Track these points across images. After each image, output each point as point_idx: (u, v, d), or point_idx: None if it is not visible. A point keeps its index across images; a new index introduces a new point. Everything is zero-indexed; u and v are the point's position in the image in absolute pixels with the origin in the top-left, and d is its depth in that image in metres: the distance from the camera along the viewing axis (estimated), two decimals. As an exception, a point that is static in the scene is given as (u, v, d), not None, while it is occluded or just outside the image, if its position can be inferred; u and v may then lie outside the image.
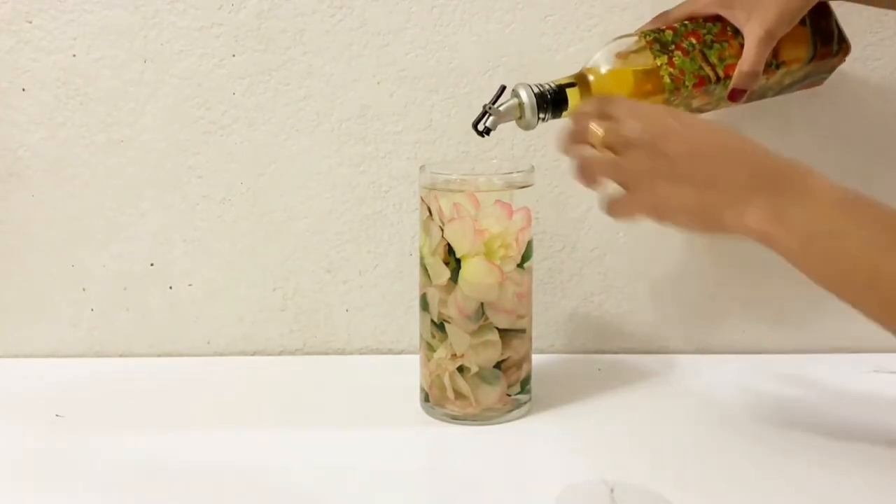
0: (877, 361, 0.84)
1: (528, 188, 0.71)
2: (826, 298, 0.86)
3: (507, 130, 0.84)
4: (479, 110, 0.83)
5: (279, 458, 0.66)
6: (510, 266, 0.70)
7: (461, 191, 0.69)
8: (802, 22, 0.70)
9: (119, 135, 0.84)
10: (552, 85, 0.70)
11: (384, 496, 0.61)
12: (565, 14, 0.82)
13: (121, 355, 0.88)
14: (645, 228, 0.85)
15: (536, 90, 0.69)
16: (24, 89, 0.83)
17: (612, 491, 0.59)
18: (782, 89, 0.74)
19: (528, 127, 0.71)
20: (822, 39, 0.71)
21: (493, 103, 0.70)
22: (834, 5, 0.73)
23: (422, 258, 0.72)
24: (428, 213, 0.71)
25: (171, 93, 0.83)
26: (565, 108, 0.70)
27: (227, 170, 0.85)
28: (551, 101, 0.69)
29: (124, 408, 0.76)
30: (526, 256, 0.71)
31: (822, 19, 0.72)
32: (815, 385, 0.79)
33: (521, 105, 0.69)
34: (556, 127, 0.83)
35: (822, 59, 0.72)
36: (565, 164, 0.84)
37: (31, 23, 0.82)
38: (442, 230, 0.69)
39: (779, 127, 0.84)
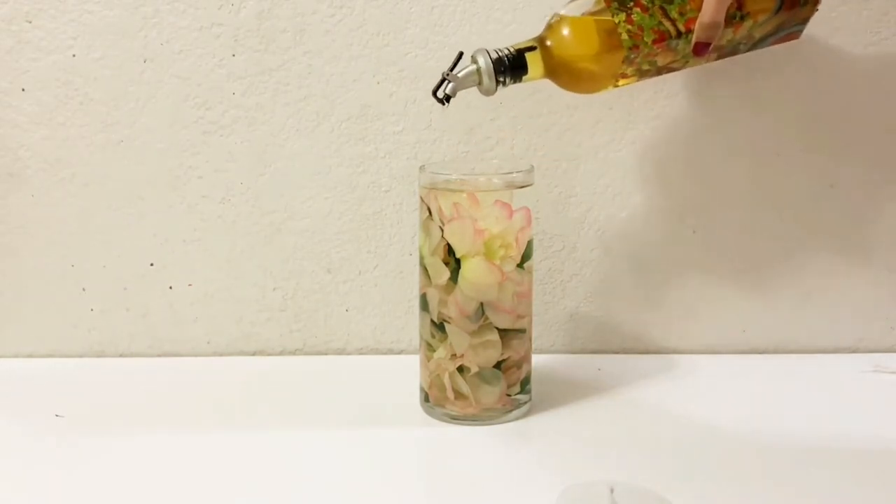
0: (877, 361, 0.84)
1: (528, 188, 0.71)
2: (826, 298, 0.86)
3: (506, 130, 0.84)
4: (481, 111, 0.83)
5: (279, 457, 0.66)
6: (510, 266, 0.70)
7: (461, 191, 0.69)
8: None
9: (119, 135, 0.84)
10: (511, 49, 0.70)
11: (384, 496, 0.61)
12: (565, 14, 0.82)
13: (121, 355, 0.88)
14: (645, 228, 0.86)
15: (494, 55, 0.69)
16: (24, 89, 0.83)
17: (612, 491, 0.58)
18: (755, 44, 0.72)
19: (488, 92, 0.71)
20: None
21: (452, 70, 0.70)
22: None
23: (422, 258, 0.72)
24: (428, 213, 0.71)
25: (171, 93, 0.83)
26: (524, 73, 0.70)
27: (227, 170, 0.85)
28: (509, 66, 0.69)
29: (124, 408, 0.76)
30: (526, 256, 0.71)
31: None
32: (814, 385, 0.80)
33: (478, 71, 0.70)
34: (556, 126, 0.84)
35: (791, 8, 0.70)
36: (565, 164, 0.85)
37: (31, 23, 0.82)
38: (442, 230, 0.69)
39: (778, 124, 0.84)
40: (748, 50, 0.73)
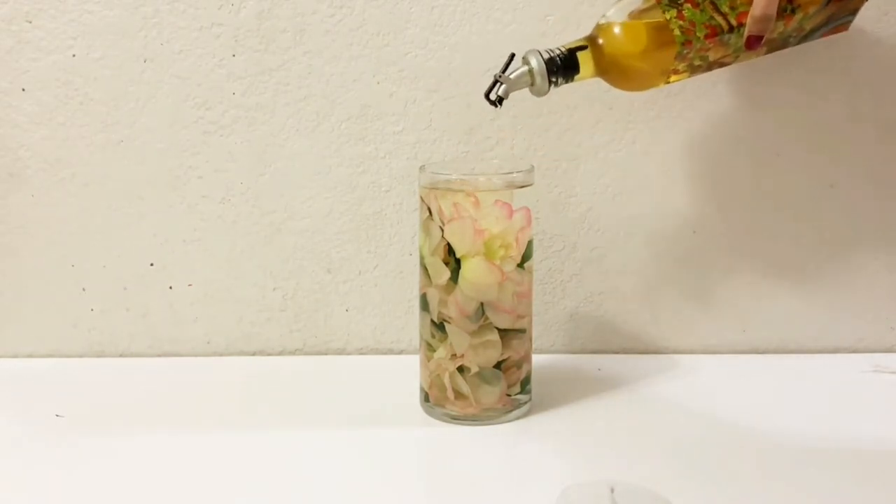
0: (877, 361, 0.84)
1: (528, 188, 0.71)
2: (826, 298, 0.86)
3: (506, 130, 0.84)
4: (481, 111, 0.83)
5: (279, 457, 0.66)
6: (510, 266, 0.70)
7: (461, 191, 0.69)
8: None
9: (119, 135, 0.84)
10: (562, 49, 0.70)
11: (384, 496, 0.61)
12: (565, 14, 0.82)
13: (121, 355, 0.88)
14: (645, 228, 0.86)
15: (546, 56, 0.69)
16: (24, 89, 0.83)
17: (612, 491, 0.58)
18: (804, 37, 0.73)
19: (540, 93, 0.71)
20: None
21: (504, 71, 0.70)
22: None
23: (422, 258, 0.72)
24: (428, 213, 0.71)
25: (171, 93, 0.83)
26: (576, 73, 0.70)
27: (227, 170, 0.85)
28: (561, 66, 0.69)
29: (124, 408, 0.76)
30: (526, 256, 0.71)
31: None
32: (814, 385, 0.79)
33: (531, 72, 0.69)
34: (556, 126, 0.84)
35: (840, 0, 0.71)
36: (565, 164, 0.85)
37: (31, 23, 0.82)
38: (442, 230, 0.69)
39: (779, 124, 0.84)
40: (798, 43, 0.73)
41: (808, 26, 0.71)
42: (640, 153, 0.84)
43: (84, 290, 0.86)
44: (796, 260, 0.86)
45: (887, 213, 0.85)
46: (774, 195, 0.85)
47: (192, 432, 0.71)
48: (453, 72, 0.83)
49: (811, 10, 0.70)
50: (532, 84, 0.70)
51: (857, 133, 0.84)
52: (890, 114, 0.83)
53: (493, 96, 0.71)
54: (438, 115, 0.84)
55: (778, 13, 0.68)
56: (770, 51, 0.72)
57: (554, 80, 0.70)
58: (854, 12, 0.73)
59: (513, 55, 0.71)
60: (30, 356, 0.87)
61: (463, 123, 0.84)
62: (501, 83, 0.70)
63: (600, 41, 0.70)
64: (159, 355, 0.88)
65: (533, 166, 0.72)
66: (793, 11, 0.69)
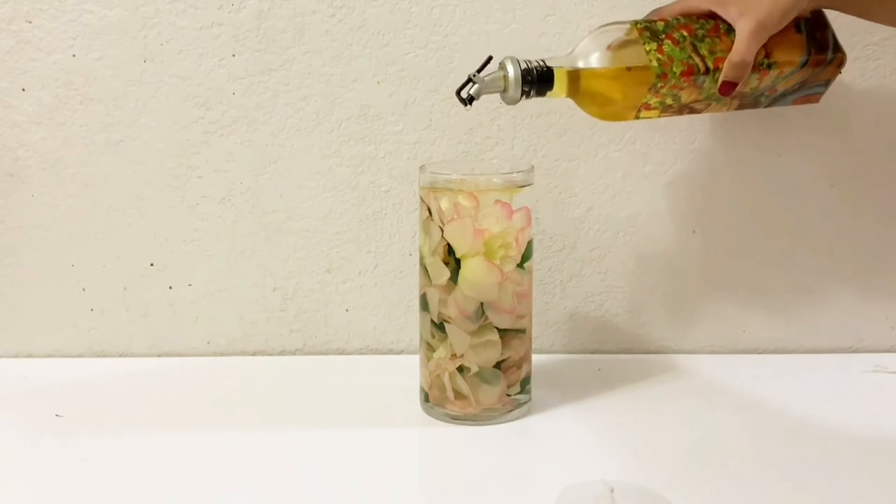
0: (877, 361, 0.84)
1: (528, 188, 0.71)
2: (826, 298, 0.86)
3: (506, 130, 0.84)
4: (481, 111, 0.83)
5: (279, 457, 0.66)
6: (510, 266, 0.70)
7: (461, 191, 0.69)
8: (798, 29, 0.71)
9: (119, 135, 0.84)
10: (541, 63, 0.69)
11: (384, 496, 0.61)
12: (565, 14, 0.82)
13: (121, 355, 0.88)
14: (645, 228, 0.86)
15: (523, 66, 0.69)
16: (24, 89, 0.83)
17: (612, 491, 0.59)
18: (776, 98, 0.74)
19: (511, 101, 0.70)
20: (817, 47, 0.71)
21: (479, 72, 0.70)
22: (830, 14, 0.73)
23: (422, 258, 0.72)
24: (428, 213, 0.71)
25: (171, 93, 0.83)
26: (550, 88, 0.70)
27: (227, 170, 0.85)
28: (536, 79, 0.69)
29: (124, 408, 0.76)
30: (526, 256, 0.71)
31: (819, 30, 0.72)
32: (815, 385, 0.80)
33: (505, 77, 0.69)
34: (556, 126, 0.84)
35: (816, 66, 0.72)
36: (565, 164, 0.85)
37: (31, 23, 0.82)
38: (442, 230, 0.69)
39: (779, 125, 0.84)
40: (769, 104, 0.74)
41: (780, 88, 0.73)
42: (640, 153, 0.84)
43: (84, 290, 0.86)
44: (796, 260, 0.86)
45: (887, 213, 0.85)
46: (774, 195, 0.85)
47: (192, 432, 0.71)
48: (453, 72, 0.83)
49: (787, 69, 0.71)
50: (504, 90, 0.70)
51: (857, 132, 0.84)
52: (890, 113, 0.83)
53: (464, 94, 0.70)
54: (438, 115, 0.84)
55: (754, 66, 0.69)
56: (741, 106, 0.73)
57: (527, 90, 0.69)
58: (826, 84, 0.74)
59: (490, 58, 0.71)
60: (30, 356, 0.87)
61: (463, 123, 0.84)
62: (474, 83, 0.70)
63: (579, 63, 0.70)
64: (159, 355, 0.88)
65: (533, 166, 0.72)
66: (769, 67, 0.70)
